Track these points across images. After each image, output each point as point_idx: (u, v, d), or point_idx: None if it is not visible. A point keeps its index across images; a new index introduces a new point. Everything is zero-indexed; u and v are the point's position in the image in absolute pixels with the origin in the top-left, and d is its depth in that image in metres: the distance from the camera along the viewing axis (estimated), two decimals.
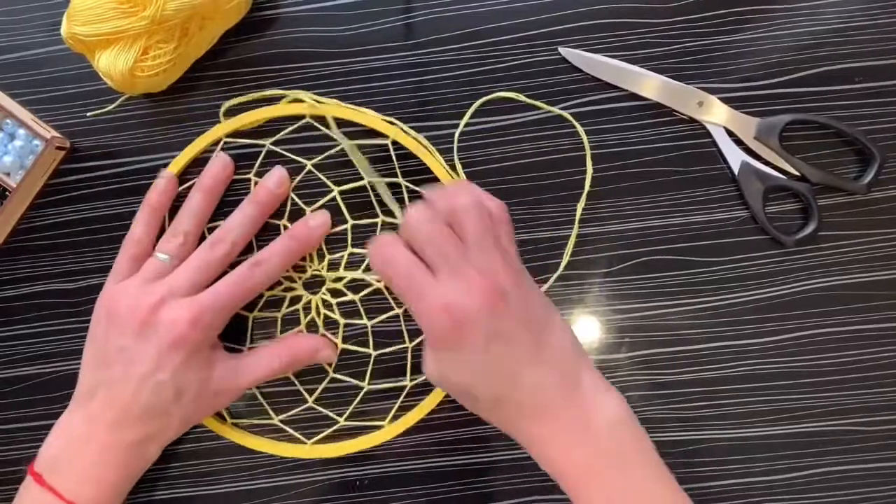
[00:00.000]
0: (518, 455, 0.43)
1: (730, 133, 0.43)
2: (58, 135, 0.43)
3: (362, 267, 0.43)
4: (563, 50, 0.43)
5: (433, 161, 0.42)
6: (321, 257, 0.43)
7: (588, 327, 0.43)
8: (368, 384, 0.43)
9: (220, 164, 0.42)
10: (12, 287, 0.44)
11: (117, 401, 0.38)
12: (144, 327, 0.37)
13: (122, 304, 0.38)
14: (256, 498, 0.43)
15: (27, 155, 0.43)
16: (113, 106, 0.44)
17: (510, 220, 0.37)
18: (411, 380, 0.42)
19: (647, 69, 0.43)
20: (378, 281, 0.43)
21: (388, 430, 0.42)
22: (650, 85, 0.43)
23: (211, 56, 0.43)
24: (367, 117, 0.42)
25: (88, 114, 0.44)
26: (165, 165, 0.43)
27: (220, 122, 0.43)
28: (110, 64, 0.39)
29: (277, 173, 0.42)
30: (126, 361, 0.38)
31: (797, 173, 0.43)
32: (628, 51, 0.44)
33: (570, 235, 0.43)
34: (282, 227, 0.43)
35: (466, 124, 0.43)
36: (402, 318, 0.43)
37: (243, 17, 0.43)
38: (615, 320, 0.43)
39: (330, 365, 0.43)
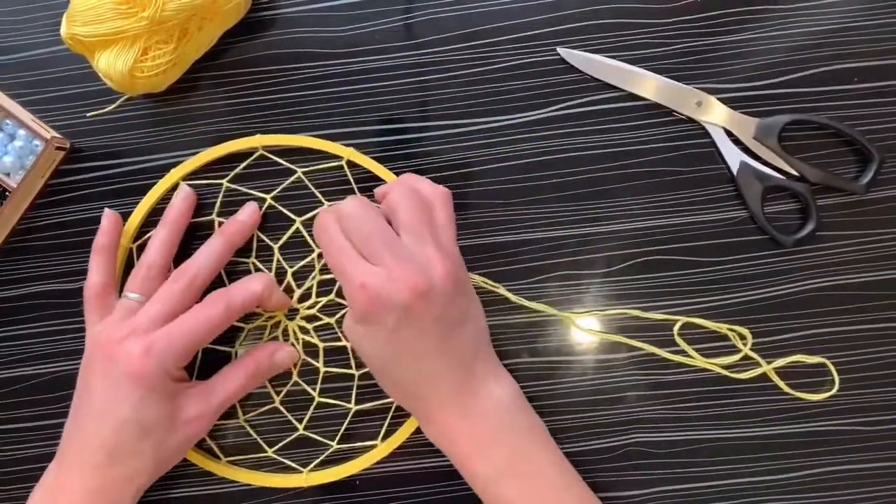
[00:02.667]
0: None
1: (729, 133, 0.43)
2: (58, 135, 0.43)
3: (334, 290, 0.43)
4: (562, 50, 0.43)
5: (391, 178, 0.42)
6: (291, 292, 0.43)
7: (588, 327, 0.43)
8: (355, 405, 0.43)
9: (181, 196, 0.42)
10: (12, 287, 0.44)
11: (85, 445, 0.37)
12: (108, 365, 0.37)
13: (94, 346, 0.39)
14: (255, 497, 0.43)
15: (27, 155, 0.43)
16: (113, 106, 0.44)
17: (448, 202, 0.38)
18: None
19: (647, 69, 0.43)
20: None
21: (382, 449, 0.42)
22: (649, 85, 0.43)
23: (211, 56, 0.43)
24: (321, 143, 0.43)
25: (88, 114, 0.44)
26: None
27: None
28: (110, 64, 0.39)
29: (249, 207, 0.43)
30: (92, 403, 0.37)
31: (796, 173, 0.43)
32: (628, 51, 0.44)
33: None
34: (251, 266, 0.43)
35: (466, 125, 0.44)
36: None
37: (243, 17, 0.43)
38: (615, 320, 0.43)
39: (295, 366, 0.43)
